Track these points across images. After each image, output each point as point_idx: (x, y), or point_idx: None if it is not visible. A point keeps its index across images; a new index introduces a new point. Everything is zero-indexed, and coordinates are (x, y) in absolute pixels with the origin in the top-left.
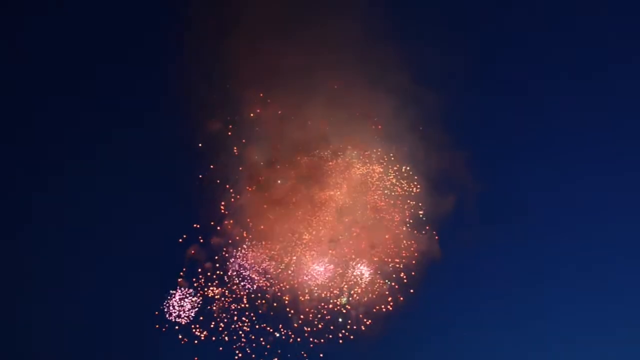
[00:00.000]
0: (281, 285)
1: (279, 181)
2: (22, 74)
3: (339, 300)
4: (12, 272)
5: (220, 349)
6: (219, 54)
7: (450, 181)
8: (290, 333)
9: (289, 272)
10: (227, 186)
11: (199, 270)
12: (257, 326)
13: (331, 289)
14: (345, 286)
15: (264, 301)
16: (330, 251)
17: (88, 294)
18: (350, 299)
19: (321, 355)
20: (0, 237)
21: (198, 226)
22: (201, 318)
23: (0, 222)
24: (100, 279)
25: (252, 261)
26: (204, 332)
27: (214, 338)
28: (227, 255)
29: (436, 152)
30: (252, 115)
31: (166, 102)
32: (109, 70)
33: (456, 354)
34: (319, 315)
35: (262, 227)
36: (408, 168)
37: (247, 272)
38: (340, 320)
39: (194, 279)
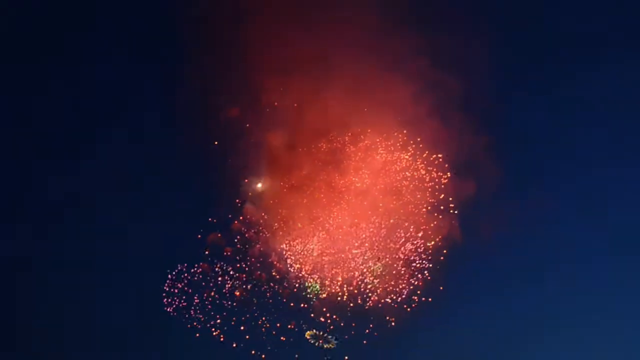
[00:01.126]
0: (302, 273)
1: None
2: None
3: (372, 271)
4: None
5: (241, 345)
6: (237, 42)
7: (472, 166)
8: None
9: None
10: (246, 180)
11: (216, 267)
12: (278, 324)
13: (351, 287)
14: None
15: (286, 290)
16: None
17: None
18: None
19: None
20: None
21: (215, 220)
22: (218, 320)
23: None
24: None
25: (273, 248)
26: (224, 328)
27: (234, 345)
28: (247, 245)
29: (457, 137)
30: (268, 109)
31: (183, 92)
32: (126, 56)
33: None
34: (338, 314)
35: (281, 214)
36: (439, 156)
37: (269, 259)
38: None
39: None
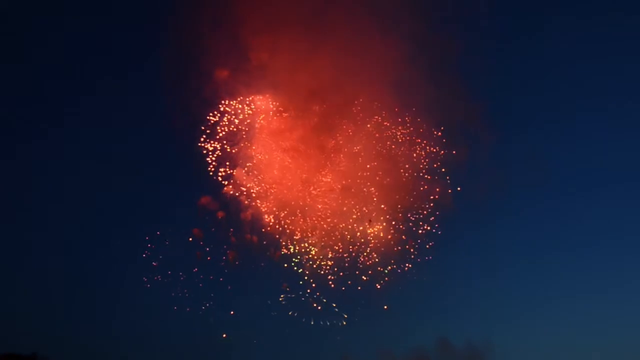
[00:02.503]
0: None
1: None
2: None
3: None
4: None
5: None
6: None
7: (465, 131)
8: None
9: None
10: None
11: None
12: (268, 301)
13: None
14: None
15: (276, 252)
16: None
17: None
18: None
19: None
20: None
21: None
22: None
23: None
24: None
25: (265, 213)
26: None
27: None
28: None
29: (451, 103)
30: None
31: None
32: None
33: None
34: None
35: (273, 176)
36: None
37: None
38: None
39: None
